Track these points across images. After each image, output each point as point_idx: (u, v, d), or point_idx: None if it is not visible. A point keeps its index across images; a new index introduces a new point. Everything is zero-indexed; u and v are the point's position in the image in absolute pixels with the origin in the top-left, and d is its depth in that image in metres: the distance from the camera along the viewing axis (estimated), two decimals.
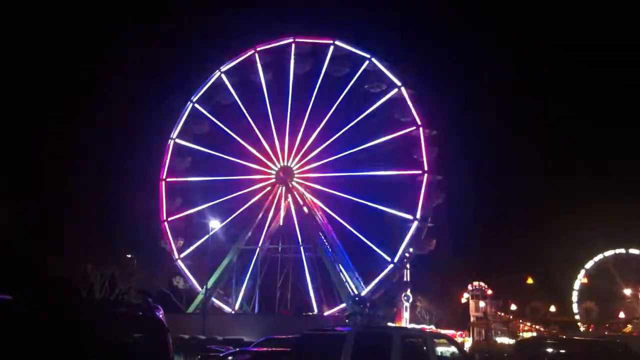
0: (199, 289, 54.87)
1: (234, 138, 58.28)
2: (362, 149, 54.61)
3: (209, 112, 58.94)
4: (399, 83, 54.21)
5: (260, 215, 56.96)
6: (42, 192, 53.05)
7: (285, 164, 57.68)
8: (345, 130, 55.68)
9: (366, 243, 53.03)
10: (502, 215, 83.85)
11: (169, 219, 57.50)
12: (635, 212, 62.00)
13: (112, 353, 6.16)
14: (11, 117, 59.45)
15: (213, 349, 28.45)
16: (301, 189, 57.63)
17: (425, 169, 52.20)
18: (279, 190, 57.86)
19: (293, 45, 57.64)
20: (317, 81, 56.80)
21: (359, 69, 55.53)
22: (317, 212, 56.86)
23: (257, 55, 58.60)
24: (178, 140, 58.80)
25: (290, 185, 57.45)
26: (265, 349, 21.87)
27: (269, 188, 57.67)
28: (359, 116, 55.25)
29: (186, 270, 55.98)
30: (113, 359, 6.16)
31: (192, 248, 56.19)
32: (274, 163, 57.96)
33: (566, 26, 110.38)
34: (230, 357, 21.66)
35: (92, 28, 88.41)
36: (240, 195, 57.40)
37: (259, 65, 58.41)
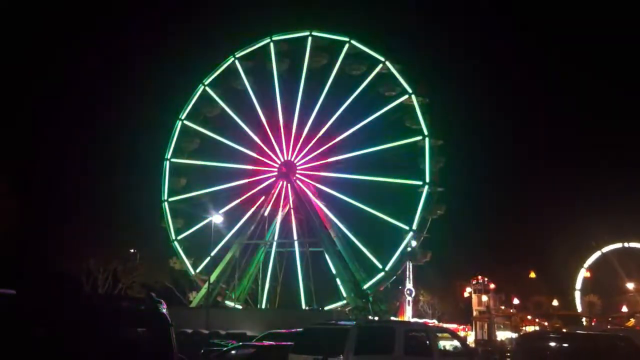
0: (192, 271, 55.37)
1: (241, 125, 58.09)
2: (367, 152, 54.09)
3: (219, 97, 58.64)
4: (410, 90, 53.40)
5: (262, 210, 56.82)
6: (43, 187, 53.11)
7: (289, 158, 57.58)
8: (353, 132, 55.05)
9: (360, 247, 52.71)
10: (504, 209, 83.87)
11: (170, 199, 57.57)
12: (637, 206, 62.01)
13: (116, 347, 6.17)
14: (11, 116, 59.33)
15: (216, 343, 28.42)
16: (302, 186, 57.41)
17: (427, 180, 51.57)
18: (281, 184, 57.70)
19: (310, 38, 57.00)
20: (330, 78, 56.19)
21: (373, 70, 54.77)
22: (320, 207, 56.63)
23: (272, 44, 58.22)
24: (186, 122, 58.56)
25: (292, 180, 57.22)
26: (267, 343, 21.92)
27: (271, 180, 57.56)
28: (367, 118, 54.58)
29: (181, 252, 56.06)
30: (117, 353, 6.17)
31: (190, 231, 56.13)
32: (277, 156, 57.78)
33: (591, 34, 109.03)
34: (233, 352, 21.65)
35: (107, 7, 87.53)
36: (242, 184, 57.18)
37: (273, 54, 57.96)
